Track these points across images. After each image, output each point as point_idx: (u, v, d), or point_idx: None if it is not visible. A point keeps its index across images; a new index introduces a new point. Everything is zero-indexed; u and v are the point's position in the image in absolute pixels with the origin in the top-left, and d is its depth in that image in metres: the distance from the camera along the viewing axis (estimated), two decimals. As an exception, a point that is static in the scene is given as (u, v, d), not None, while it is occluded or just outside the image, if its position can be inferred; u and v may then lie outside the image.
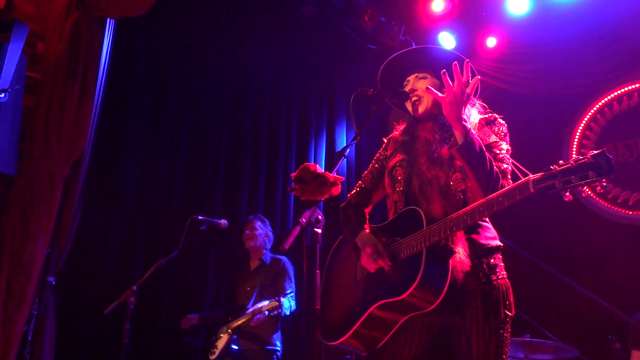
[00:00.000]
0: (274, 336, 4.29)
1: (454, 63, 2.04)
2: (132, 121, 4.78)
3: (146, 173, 4.80)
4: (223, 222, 4.26)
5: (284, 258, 4.54)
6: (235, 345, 4.20)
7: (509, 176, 2.09)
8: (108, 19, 4.10)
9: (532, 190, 1.75)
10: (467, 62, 2.06)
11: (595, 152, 1.65)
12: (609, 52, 5.20)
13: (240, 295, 4.46)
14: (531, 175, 1.78)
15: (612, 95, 5.77)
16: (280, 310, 4.07)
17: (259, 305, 4.12)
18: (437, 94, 2.07)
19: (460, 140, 1.99)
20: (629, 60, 5.15)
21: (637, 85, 5.62)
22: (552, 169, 1.72)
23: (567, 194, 1.70)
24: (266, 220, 4.70)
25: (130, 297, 3.42)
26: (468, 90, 2.03)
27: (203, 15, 5.33)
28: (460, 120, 2.01)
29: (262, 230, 4.60)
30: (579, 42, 5.30)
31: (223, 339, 4.27)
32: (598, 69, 5.32)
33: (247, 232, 4.58)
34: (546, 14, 5.36)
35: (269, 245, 4.64)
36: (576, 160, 1.68)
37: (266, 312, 4.07)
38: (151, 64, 5.00)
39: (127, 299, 3.42)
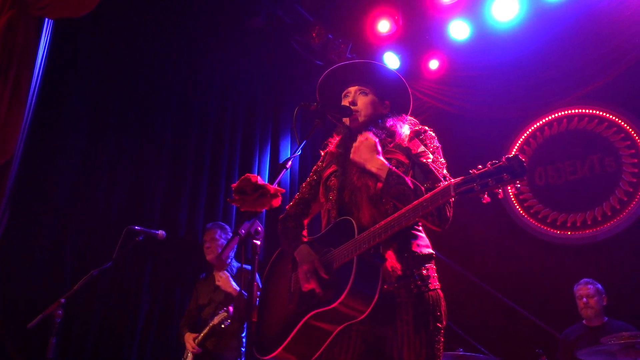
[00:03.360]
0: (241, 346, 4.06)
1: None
2: (69, 126, 4.59)
3: (82, 180, 4.60)
4: (161, 232, 4.13)
5: (248, 267, 4.32)
6: None
7: (440, 182, 2.12)
8: (46, 19, 3.95)
9: (453, 193, 1.82)
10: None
11: (509, 155, 1.74)
12: (542, 79, 5.51)
13: (205, 312, 4.22)
14: (452, 180, 1.86)
15: (544, 120, 6.11)
16: (228, 322, 3.87)
17: (215, 319, 3.93)
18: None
19: (382, 180, 2.12)
20: (560, 87, 5.48)
21: (565, 112, 5.99)
22: (471, 173, 1.80)
23: (485, 196, 1.78)
24: (226, 227, 4.44)
25: (57, 310, 3.23)
26: (372, 141, 2.20)
27: (149, 24, 5.23)
28: (379, 166, 2.15)
29: (223, 240, 4.30)
30: (515, 67, 5.59)
31: (189, 358, 4.08)
32: (532, 94, 5.62)
33: (207, 244, 4.30)
34: (485, 40, 5.62)
35: (232, 254, 4.33)
36: (492, 164, 1.77)
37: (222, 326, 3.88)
38: (92, 69, 4.84)
39: (54, 312, 3.23)
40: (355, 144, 2.20)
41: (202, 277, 4.46)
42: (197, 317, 4.35)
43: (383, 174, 2.12)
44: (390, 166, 2.14)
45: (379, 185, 2.13)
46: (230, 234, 4.41)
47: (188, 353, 4.11)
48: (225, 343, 4.04)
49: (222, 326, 3.87)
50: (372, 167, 2.15)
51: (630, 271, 5.09)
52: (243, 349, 4.08)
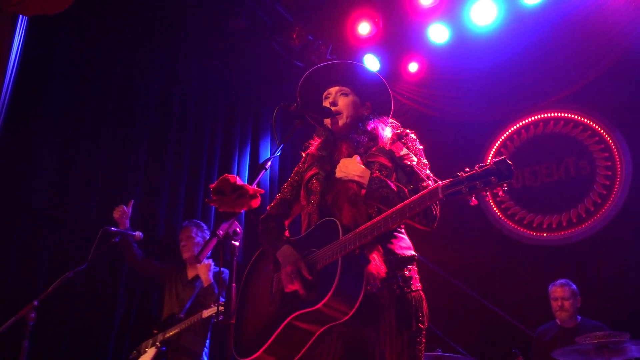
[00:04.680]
0: (205, 350, 4.04)
1: None
2: (44, 126, 4.49)
3: (58, 181, 4.51)
4: (138, 234, 4.09)
5: (225, 270, 4.23)
6: (164, 359, 3.89)
7: (425, 183, 2.14)
8: (21, 16, 3.87)
9: (440, 195, 1.83)
10: None
11: (497, 159, 1.75)
12: (520, 82, 5.60)
13: (170, 306, 4.17)
14: (440, 182, 1.87)
15: (521, 123, 6.21)
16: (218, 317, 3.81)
17: (205, 311, 3.82)
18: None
19: (365, 185, 2.14)
20: (536, 91, 5.57)
21: (542, 116, 6.09)
22: (459, 176, 1.81)
23: (473, 198, 1.79)
24: (203, 225, 4.45)
25: (30, 313, 3.17)
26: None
27: (128, 23, 5.16)
28: (361, 172, 2.18)
29: (199, 238, 4.34)
30: (493, 71, 5.67)
31: (149, 353, 3.93)
32: (509, 97, 5.70)
33: (183, 242, 4.31)
34: (464, 43, 5.68)
35: (208, 253, 4.41)
36: (480, 167, 1.77)
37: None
38: (69, 68, 4.74)
39: (27, 314, 3.16)
40: (338, 166, 2.24)
41: (177, 266, 4.39)
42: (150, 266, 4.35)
43: (365, 180, 2.12)
44: (372, 171, 2.15)
45: (363, 191, 2.13)
46: (207, 232, 4.42)
47: (145, 350, 3.99)
48: (195, 338, 3.95)
49: (213, 321, 3.78)
50: (354, 175, 2.17)
51: (603, 272, 5.20)
52: (206, 349, 4.05)
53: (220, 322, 3.34)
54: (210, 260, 4.08)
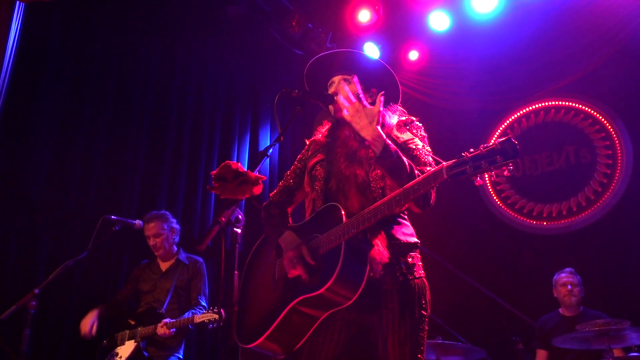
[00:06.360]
0: (182, 345, 3.98)
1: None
2: (42, 114, 4.47)
3: (56, 170, 4.49)
4: (138, 222, 4.06)
5: (200, 259, 4.23)
6: (145, 353, 3.79)
7: (427, 167, 2.11)
8: (18, 3, 3.84)
9: (445, 176, 1.79)
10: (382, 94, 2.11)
11: (502, 138, 1.72)
12: (520, 71, 5.58)
13: (148, 298, 4.04)
14: (444, 163, 1.83)
15: (521, 112, 6.18)
16: (218, 324, 3.60)
17: (197, 315, 3.67)
18: (345, 113, 2.11)
19: (377, 152, 2.02)
20: (537, 79, 5.55)
21: (543, 104, 6.06)
22: (463, 156, 1.77)
23: (478, 178, 1.76)
24: (166, 213, 4.25)
25: (31, 301, 3.16)
26: (375, 110, 2.07)
27: (126, 12, 5.11)
28: (375, 137, 2.03)
29: (166, 230, 4.15)
30: (494, 59, 5.65)
31: (128, 346, 3.81)
32: (510, 86, 5.69)
33: (151, 242, 4.09)
34: (465, 31, 5.65)
35: (177, 239, 4.23)
36: (485, 147, 1.74)
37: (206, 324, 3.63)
38: (67, 55, 4.71)
39: (28, 302, 3.16)
40: (354, 105, 2.06)
41: (145, 262, 4.28)
42: (125, 305, 4.13)
43: (378, 148, 2.01)
44: (386, 139, 2.03)
45: (371, 153, 2.06)
46: (173, 220, 4.26)
47: (124, 342, 3.87)
48: (175, 339, 3.85)
49: (210, 327, 3.62)
50: (367, 135, 2.05)
51: (603, 261, 5.21)
52: (183, 344, 4.00)
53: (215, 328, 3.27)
54: (173, 330, 3.74)
